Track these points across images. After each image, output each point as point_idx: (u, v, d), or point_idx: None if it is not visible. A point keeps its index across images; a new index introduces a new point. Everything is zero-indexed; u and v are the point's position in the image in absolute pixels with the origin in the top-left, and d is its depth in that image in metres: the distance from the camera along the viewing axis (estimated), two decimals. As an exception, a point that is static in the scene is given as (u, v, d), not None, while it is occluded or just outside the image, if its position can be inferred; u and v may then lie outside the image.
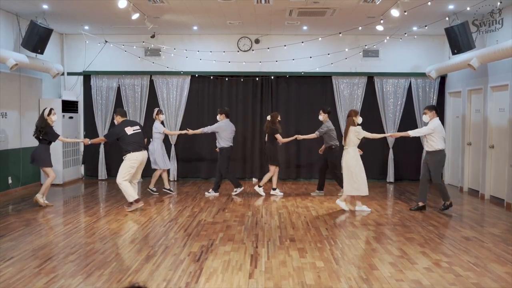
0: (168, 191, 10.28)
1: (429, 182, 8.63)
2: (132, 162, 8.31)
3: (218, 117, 10.21)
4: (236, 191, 10.17)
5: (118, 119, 8.62)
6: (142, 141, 8.53)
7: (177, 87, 12.33)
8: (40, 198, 8.78)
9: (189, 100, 12.33)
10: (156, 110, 10.31)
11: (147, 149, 8.71)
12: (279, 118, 10.15)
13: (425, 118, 8.68)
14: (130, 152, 8.30)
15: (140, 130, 8.56)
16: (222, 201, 9.55)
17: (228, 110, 10.29)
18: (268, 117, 10.23)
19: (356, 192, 8.51)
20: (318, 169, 10.58)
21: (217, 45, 12.10)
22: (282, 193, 10.29)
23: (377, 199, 9.80)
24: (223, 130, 9.95)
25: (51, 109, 8.86)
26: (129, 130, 8.40)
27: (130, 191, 8.36)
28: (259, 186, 10.28)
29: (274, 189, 10.31)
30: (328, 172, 10.20)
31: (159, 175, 10.23)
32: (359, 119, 8.63)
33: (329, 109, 10.17)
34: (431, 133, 8.45)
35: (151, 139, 10.11)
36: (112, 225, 7.44)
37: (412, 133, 8.76)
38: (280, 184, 11.94)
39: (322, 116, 10.05)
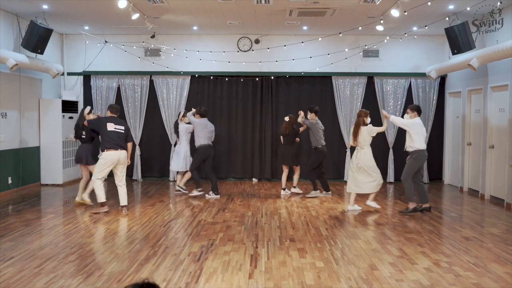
0: (181, 190, 10.32)
1: (422, 182, 8.61)
2: (105, 160, 8.08)
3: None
4: (193, 193, 10.01)
5: (107, 114, 8.54)
6: (120, 141, 8.17)
7: (177, 87, 12.33)
8: (87, 197, 8.85)
9: (189, 100, 12.32)
10: (182, 112, 10.47)
11: (126, 149, 8.31)
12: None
13: (406, 117, 8.62)
14: (105, 150, 8.10)
15: (122, 131, 8.22)
16: (222, 201, 9.55)
17: (203, 111, 9.99)
18: (286, 118, 10.16)
19: (361, 190, 8.56)
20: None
21: (217, 45, 12.10)
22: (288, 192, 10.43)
23: (377, 199, 9.77)
24: (198, 126, 9.80)
25: (91, 109, 8.94)
26: (110, 127, 8.15)
27: (100, 192, 8.17)
28: (294, 187, 10.39)
29: (284, 189, 10.46)
30: (309, 169, 10.17)
31: (184, 174, 10.33)
32: (368, 120, 8.62)
33: (315, 108, 10.09)
34: (409, 130, 8.30)
35: (177, 140, 10.41)
36: (112, 225, 7.45)
37: (393, 117, 8.66)
38: (280, 184, 11.94)
39: (309, 115, 10.06)
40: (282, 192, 10.40)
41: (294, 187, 10.46)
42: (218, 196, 9.95)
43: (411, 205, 8.41)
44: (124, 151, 8.22)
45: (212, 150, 10.00)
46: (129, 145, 8.40)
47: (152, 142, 12.54)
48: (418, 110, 8.56)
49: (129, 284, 2.01)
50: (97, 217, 7.94)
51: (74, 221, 7.69)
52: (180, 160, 10.24)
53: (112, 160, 8.10)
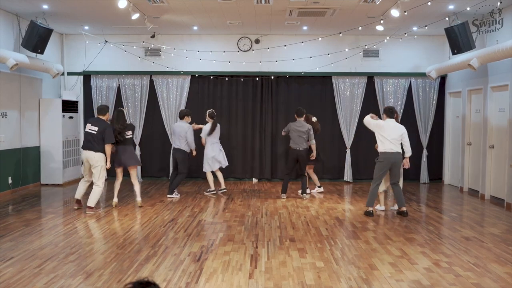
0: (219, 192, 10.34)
1: (396, 185, 8.26)
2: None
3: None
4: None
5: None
6: (88, 142, 8.24)
7: (177, 87, 12.33)
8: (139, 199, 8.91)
9: (189, 100, 12.32)
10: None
11: (101, 151, 8.27)
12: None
13: None
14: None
15: (94, 132, 8.20)
16: (222, 201, 9.56)
17: (179, 112, 10.18)
18: (314, 119, 10.18)
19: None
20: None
21: (217, 45, 12.10)
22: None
23: (377, 199, 9.78)
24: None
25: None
26: (87, 127, 8.37)
27: (78, 190, 8.58)
28: (319, 186, 10.56)
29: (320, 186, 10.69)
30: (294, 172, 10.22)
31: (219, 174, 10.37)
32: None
33: (297, 109, 10.10)
34: (374, 131, 8.25)
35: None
36: (112, 225, 7.45)
37: (367, 118, 8.38)
38: (280, 184, 11.95)
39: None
40: (319, 189, 10.55)
41: (319, 186, 10.63)
42: (178, 196, 9.96)
43: (370, 209, 8.25)
44: (91, 152, 8.21)
45: (177, 153, 9.83)
46: (106, 147, 8.27)
47: (152, 142, 12.54)
48: (387, 112, 8.31)
49: (129, 282, 2.01)
50: (97, 217, 7.95)
51: (74, 221, 7.69)
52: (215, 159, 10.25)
53: (83, 159, 8.43)
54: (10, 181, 10.08)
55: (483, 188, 9.95)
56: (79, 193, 8.55)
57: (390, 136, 8.10)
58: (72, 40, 12.27)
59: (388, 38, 11.42)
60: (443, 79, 12.16)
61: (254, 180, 12.38)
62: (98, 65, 12.20)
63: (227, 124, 12.40)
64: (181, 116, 10.01)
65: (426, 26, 10.40)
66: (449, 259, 5.77)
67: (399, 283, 4.93)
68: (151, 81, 12.38)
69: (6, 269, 5.27)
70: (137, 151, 12.29)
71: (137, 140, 12.30)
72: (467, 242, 6.56)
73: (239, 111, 12.45)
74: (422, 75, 11.92)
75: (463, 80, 11.05)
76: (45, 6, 9.30)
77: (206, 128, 10.20)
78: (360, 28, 10.59)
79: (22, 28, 9.94)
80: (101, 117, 8.44)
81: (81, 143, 12.24)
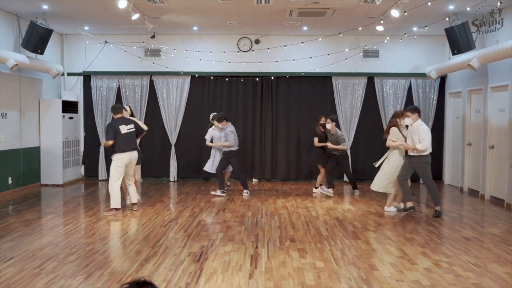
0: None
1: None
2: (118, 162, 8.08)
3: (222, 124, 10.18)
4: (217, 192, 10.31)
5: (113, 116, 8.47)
6: (132, 141, 8.25)
7: (177, 87, 12.33)
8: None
9: (189, 100, 12.32)
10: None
11: (137, 149, 8.40)
12: (322, 122, 10.43)
13: (408, 121, 8.37)
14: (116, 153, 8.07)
15: (133, 130, 8.27)
16: (222, 201, 9.55)
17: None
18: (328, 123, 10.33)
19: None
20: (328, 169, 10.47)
21: (217, 45, 12.10)
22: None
23: (377, 199, 9.79)
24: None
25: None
26: (122, 129, 8.12)
27: (131, 194, 8.43)
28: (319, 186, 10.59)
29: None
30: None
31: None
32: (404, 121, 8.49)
33: (335, 117, 10.47)
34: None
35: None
36: (112, 225, 7.45)
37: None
38: (280, 184, 11.96)
39: (330, 125, 10.12)
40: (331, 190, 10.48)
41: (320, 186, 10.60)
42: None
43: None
44: (135, 152, 8.30)
45: None
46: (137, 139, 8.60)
47: (152, 142, 12.53)
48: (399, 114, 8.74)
49: (126, 282, 2.01)
50: (97, 218, 7.95)
51: (74, 221, 7.69)
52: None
53: (126, 161, 8.15)
54: (10, 181, 10.07)
55: (483, 188, 9.95)
56: (134, 196, 8.45)
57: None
58: (72, 41, 12.27)
59: (388, 38, 11.41)
60: (443, 79, 12.16)
61: (254, 180, 12.37)
62: (98, 65, 12.20)
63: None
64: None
65: (426, 26, 10.40)
66: (449, 259, 5.77)
67: (399, 283, 4.93)
68: (151, 82, 12.38)
69: (6, 269, 5.27)
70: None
71: (137, 141, 12.28)
72: (467, 242, 6.56)
73: (239, 111, 12.44)
74: (422, 75, 11.92)
75: (463, 80, 11.05)
76: (45, 6, 9.30)
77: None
78: (360, 28, 10.58)
79: (22, 29, 9.94)
80: (119, 115, 8.35)
81: (82, 143, 12.34)
